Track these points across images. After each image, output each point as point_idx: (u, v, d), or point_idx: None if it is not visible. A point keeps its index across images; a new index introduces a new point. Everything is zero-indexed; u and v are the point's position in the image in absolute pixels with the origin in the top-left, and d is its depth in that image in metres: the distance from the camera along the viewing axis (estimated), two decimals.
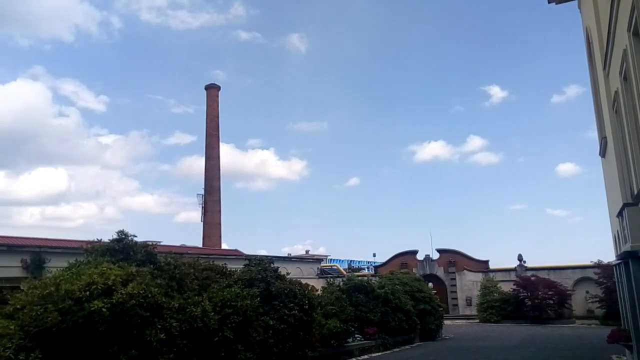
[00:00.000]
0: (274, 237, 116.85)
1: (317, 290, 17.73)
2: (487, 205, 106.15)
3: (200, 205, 56.31)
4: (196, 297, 12.17)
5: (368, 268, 61.93)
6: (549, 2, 18.58)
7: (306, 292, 15.85)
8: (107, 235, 13.67)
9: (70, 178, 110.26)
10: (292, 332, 14.47)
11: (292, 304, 14.80)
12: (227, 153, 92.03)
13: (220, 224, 55.95)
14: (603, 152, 17.02)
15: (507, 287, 37.00)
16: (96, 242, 13.53)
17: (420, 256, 44.57)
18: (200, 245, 51.68)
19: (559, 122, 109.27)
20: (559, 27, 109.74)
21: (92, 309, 9.75)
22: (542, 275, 37.02)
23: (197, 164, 73.88)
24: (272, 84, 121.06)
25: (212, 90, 59.60)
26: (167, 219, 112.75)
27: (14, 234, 27.44)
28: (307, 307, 15.42)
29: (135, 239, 13.70)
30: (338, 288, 21.58)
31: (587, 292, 35.14)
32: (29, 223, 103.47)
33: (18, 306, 10.19)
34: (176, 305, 11.42)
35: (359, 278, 24.29)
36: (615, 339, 15.65)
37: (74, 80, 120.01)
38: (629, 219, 10.46)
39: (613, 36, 10.73)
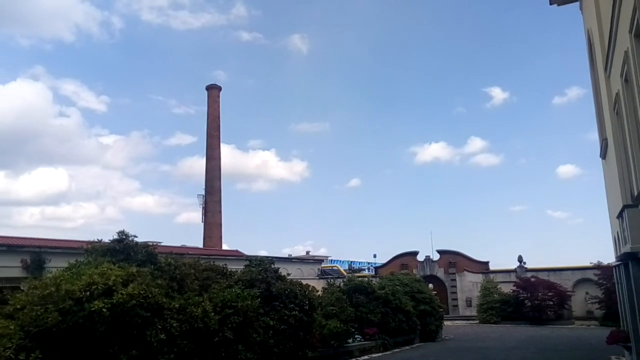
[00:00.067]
0: (275, 238, 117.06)
1: (317, 291, 17.74)
2: (488, 206, 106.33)
3: (201, 206, 56.36)
4: (197, 298, 12.17)
5: (368, 269, 61.93)
6: (550, 4, 18.60)
7: (307, 292, 15.85)
8: (107, 235, 13.69)
9: (71, 178, 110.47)
10: (292, 333, 14.47)
11: (292, 305, 14.80)
12: (228, 154, 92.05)
13: (221, 224, 55.99)
14: (603, 154, 17.03)
15: (507, 288, 37.04)
16: (96, 242, 13.53)
17: (420, 257, 44.63)
18: (200, 245, 51.73)
19: (559, 123, 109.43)
20: (560, 28, 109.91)
21: (93, 309, 9.75)
22: (542, 276, 37.05)
23: (198, 164, 73.99)
24: (273, 84, 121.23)
25: (213, 90, 59.66)
26: (168, 220, 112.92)
27: (14, 234, 27.49)
28: (307, 307, 15.43)
29: (135, 239, 13.69)
30: (338, 289, 21.59)
31: (587, 293, 35.17)
32: (29, 223, 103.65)
33: (18, 306, 10.19)
34: (177, 305, 11.42)
35: (360, 279, 24.32)
36: (615, 340, 15.66)
37: (75, 81, 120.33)
38: (629, 220, 10.47)
39: (614, 38, 10.74)
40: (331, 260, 68.96)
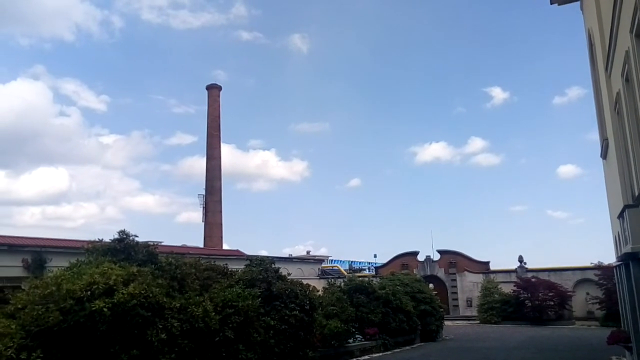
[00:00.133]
0: (275, 238, 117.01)
1: (318, 291, 17.75)
2: (488, 206, 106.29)
3: (202, 206, 56.37)
4: (197, 297, 12.18)
5: (369, 269, 61.97)
6: (551, 3, 18.59)
7: (307, 292, 15.85)
8: (108, 235, 13.70)
9: (71, 178, 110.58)
10: (293, 333, 14.47)
11: (293, 305, 14.81)
12: (228, 153, 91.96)
13: (221, 224, 56.01)
14: (604, 154, 17.02)
15: (507, 289, 37.04)
16: (97, 242, 13.54)
17: (421, 257, 44.62)
18: (201, 245, 51.73)
19: (560, 123, 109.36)
20: (561, 28, 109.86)
21: (94, 308, 9.76)
22: (543, 276, 37.05)
23: (198, 164, 74.03)
24: (273, 84, 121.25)
25: (214, 90, 59.67)
26: (168, 219, 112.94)
27: (15, 233, 27.47)
28: (308, 307, 15.43)
29: (136, 239, 13.69)
30: (339, 289, 21.60)
31: (588, 293, 35.15)
32: (30, 223, 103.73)
33: (19, 306, 10.21)
34: (177, 305, 11.43)
35: (360, 279, 24.33)
36: (615, 341, 15.65)
37: (75, 80, 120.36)
38: (630, 220, 10.46)
39: (615, 37, 10.73)
40: (332, 260, 68.96)
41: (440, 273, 42.78)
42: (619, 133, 12.43)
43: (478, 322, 36.97)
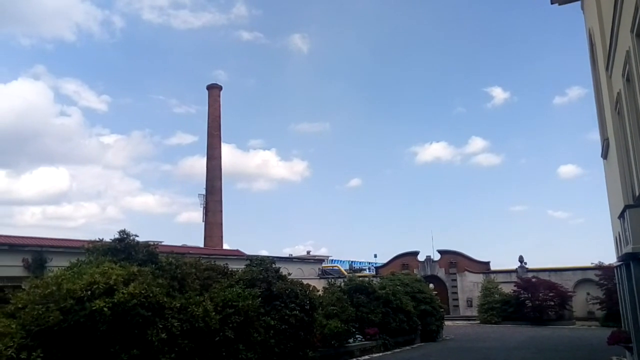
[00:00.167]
0: (276, 238, 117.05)
1: (318, 291, 17.75)
2: (489, 206, 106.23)
3: (202, 206, 56.37)
4: (197, 297, 12.18)
5: (369, 269, 61.97)
6: (551, 3, 18.57)
7: (307, 292, 15.85)
8: (108, 235, 13.70)
9: (72, 178, 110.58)
10: (293, 332, 14.47)
11: (293, 304, 14.81)
12: (228, 153, 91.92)
13: (221, 224, 56.00)
14: (605, 154, 17.01)
15: (508, 289, 37.03)
16: (98, 241, 13.54)
17: (421, 257, 44.63)
18: (201, 245, 51.74)
19: (560, 123, 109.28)
20: (561, 28, 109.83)
21: (94, 308, 9.76)
22: (543, 276, 37.03)
23: (199, 164, 74.02)
24: (274, 84, 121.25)
25: (214, 90, 59.66)
26: (169, 219, 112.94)
27: (15, 233, 27.55)
28: (308, 307, 15.43)
29: (136, 238, 13.69)
30: (339, 289, 21.61)
31: (588, 293, 35.13)
32: (31, 222, 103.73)
33: (20, 305, 10.21)
34: (177, 305, 11.43)
35: (360, 279, 24.33)
36: (616, 341, 15.65)
37: (76, 80, 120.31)
38: (631, 220, 10.45)
39: (616, 37, 10.72)
40: (332, 260, 68.95)
41: (441, 273, 42.77)
42: (619, 133, 12.42)
43: (478, 322, 36.96)
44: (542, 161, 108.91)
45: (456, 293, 41.86)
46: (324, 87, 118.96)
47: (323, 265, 55.35)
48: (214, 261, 16.90)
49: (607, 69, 13.19)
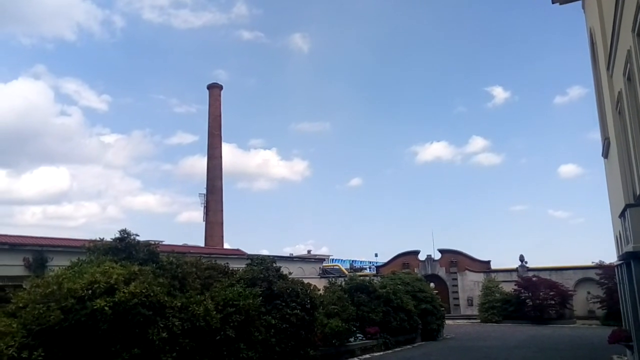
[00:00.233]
0: (276, 237, 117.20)
1: (319, 290, 17.74)
2: (489, 206, 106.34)
3: (202, 205, 56.38)
4: (198, 296, 12.19)
5: (370, 268, 61.99)
6: (552, 3, 18.57)
7: (308, 291, 15.85)
8: (109, 234, 13.71)
9: (72, 177, 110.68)
10: (294, 332, 14.48)
11: (294, 304, 14.81)
12: (229, 153, 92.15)
13: (222, 223, 56.01)
14: (606, 153, 17.01)
15: (508, 288, 37.03)
16: (98, 241, 13.55)
17: (422, 256, 44.64)
18: (202, 244, 51.76)
19: (561, 123, 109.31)
20: (562, 27, 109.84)
21: (95, 307, 9.77)
22: (544, 275, 37.02)
23: (199, 163, 74.23)
24: (274, 83, 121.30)
25: (215, 89, 59.62)
26: (169, 219, 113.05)
27: (16, 232, 27.53)
28: (309, 306, 15.44)
29: (137, 238, 13.70)
30: (340, 288, 21.61)
31: (589, 292, 35.13)
32: (31, 222, 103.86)
33: (21, 304, 10.23)
34: (178, 304, 11.44)
35: (361, 278, 24.33)
36: (616, 339, 15.67)
37: (76, 79, 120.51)
38: (632, 219, 10.47)
39: (617, 37, 10.72)
40: (332, 260, 69.06)
41: (441, 272, 42.77)
42: (620, 132, 12.43)
43: (479, 321, 36.96)
44: (543, 161, 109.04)
45: (457, 292, 41.87)
46: (324, 86, 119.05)
47: (324, 264, 55.40)
48: (215, 260, 16.91)
49: (608, 68, 13.19)
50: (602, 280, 32.23)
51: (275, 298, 14.70)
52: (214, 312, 11.83)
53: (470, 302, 40.92)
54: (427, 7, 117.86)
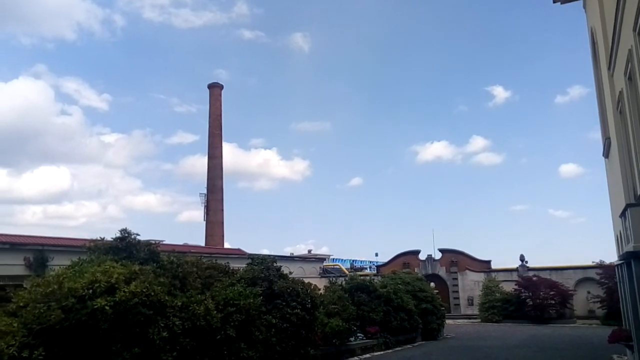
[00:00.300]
0: (277, 237, 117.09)
1: (319, 290, 17.75)
2: (490, 205, 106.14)
3: (203, 205, 56.38)
4: (199, 296, 12.19)
5: (370, 268, 61.90)
6: (553, 2, 18.55)
7: (309, 291, 15.86)
8: (109, 233, 13.73)
9: (73, 177, 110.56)
10: (294, 331, 14.48)
11: (294, 303, 14.81)
12: (229, 152, 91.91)
13: (222, 223, 56.01)
14: (606, 153, 17.01)
15: (508, 287, 37.04)
16: (99, 240, 13.56)
17: (422, 256, 44.64)
18: (202, 244, 51.77)
19: (562, 122, 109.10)
20: (563, 27, 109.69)
21: (95, 307, 9.78)
22: (544, 275, 37.03)
23: (200, 163, 74.26)
24: (275, 83, 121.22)
25: (215, 89, 59.62)
26: (170, 218, 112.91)
27: (16, 232, 27.56)
28: (309, 306, 15.44)
29: (138, 237, 13.72)
30: (340, 287, 21.62)
31: (589, 292, 35.14)
32: (32, 221, 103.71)
33: (21, 304, 10.24)
34: (179, 303, 11.44)
35: (361, 277, 24.34)
36: (616, 339, 15.67)
37: (77, 79, 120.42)
38: (632, 219, 10.47)
39: (618, 36, 10.72)
40: (333, 259, 69.01)
41: (442, 272, 42.79)
42: (621, 132, 12.43)
43: (479, 320, 36.98)
44: (543, 160, 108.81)
45: (457, 292, 41.88)
46: (325, 86, 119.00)
47: (324, 264, 55.39)
48: (216, 260, 16.92)
49: (609, 67, 13.19)
50: (602, 280, 32.24)
51: (275, 297, 14.71)
52: (215, 312, 11.84)
53: (470, 302, 40.94)
54: (427, 7, 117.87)
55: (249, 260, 17.17)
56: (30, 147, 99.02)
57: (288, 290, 14.98)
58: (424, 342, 24.03)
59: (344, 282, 22.82)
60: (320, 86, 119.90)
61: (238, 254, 39.17)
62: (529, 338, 24.60)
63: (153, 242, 14.58)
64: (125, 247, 13.31)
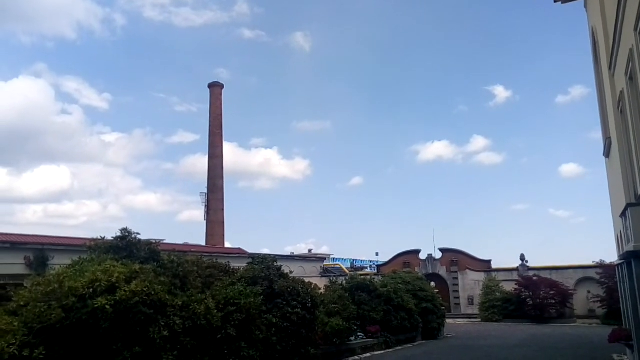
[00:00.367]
0: (277, 236, 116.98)
1: (320, 289, 17.77)
2: (490, 205, 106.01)
3: (204, 204, 56.37)
4: (199, 295, 12.20)
5: (371, 267, 61.87)
6: (554, 2, 18.53)
7: (309, 290, 15.87)
8: (110, 233, 13.74)
9: (73, 176, 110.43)
10: (295, 330, 14.49)
11: (295, 302, 14.82)
12: (230, 152, 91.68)
13: (223, 222, 56.02)
14: (607, 153, 17.00)
15: (509, 287, 37.06)
16: (99, 239, 13.57)
17: (422, 255, 44.66)
18: (203, 243, 51.76)
19: (563, 122, 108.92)
20: (564, 26, 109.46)
21: (96, 306, 9.78)
22: (544, 275, 37.04)
23: (201, 162, 74.12)
24: (275, 82, 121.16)
25: (216, 88, 59.59)
26: (170, 218, 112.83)
27: (17, 231, 27.56)
28: (310, 305, 15.45)
29: (138, 237, 13.73)
30: (341, 287, 21.62)
31: (589, 292, 35.15)
32: (32, 221, 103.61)
33: (22, 303, 10.24)
34: (179, 302, 11.45)
35: (362, 277, 24.34)
36: (617, 339, 15.68)
37: (77, 78, 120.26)
38: (633, 219, 10.47)
39: (619, 36, 10.71)
40: (333, 259, 68.97)
41: (442, 271, 42.80)
42: (622, 132, 12.42)
43: (479, 320, 36.99)
44: (544, 160, 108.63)
45: (457, 291, 41.89)
46: (325, 85, 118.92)
47: (325, 263, 55.35)
48: (216, 259, 16.93)
49: (610, 67, 13.18)
50: (603, 280, 32.26)
51: (276, 297, 14.72)
52: (215, 311, 11.84)
53: (470, 301, 40.95)
54: (427, 7, 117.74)
55: (250, 260, 17.18)
56: (30, 146, 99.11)
57: (289, 290, 14.99)
58: (424, 341, 24.04)
59: (344, 282, 22.82)
60: (320, 85, 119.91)
61: (238, 253, 39.19)
62: (529, 337, 24.61)
63: (153, 241, 14.58)
64: (125, 246, 13.32)
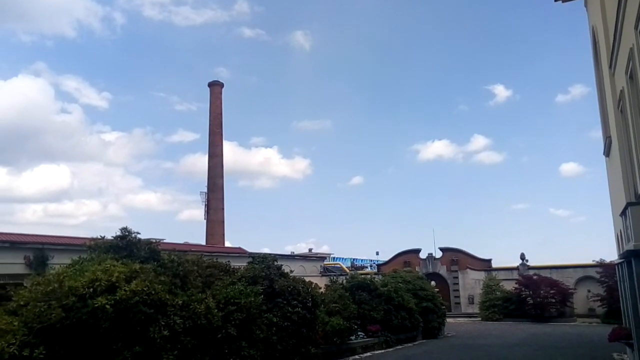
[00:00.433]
0: (278, 236, 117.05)
1: (320, 288, 17.77)
2: (490, 204, 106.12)
3: (204, 203, 56.34)
4: (200, 294, 12.19)
5: (371, 266, 61.84)
6: (555, 0, 18.51)
7: (309, 289, 15.87)
8: (110, 232, 13.73)
9: (73, 175, 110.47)
10: (295, 330, 14.50)
11: (295, 302, 14.83)
12: (230, 151, 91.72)
13: (223, 221, 55.99)
14: (607, 152, 16.98)
15: (509, 286, 37.09)
16: (99, 239, 13.56)
17: (423, 255, 44.65)
18: (203, 243, 51.73)
19: (563, 121, 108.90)
20: (564, 25, 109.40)
21: (96, 305, 9.78)
22: (545, 274, 37.05)
23: (201, 161, 74.20)
24: (276, 81, 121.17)
25: (216, 87, 59.55)
26: (170, 217, 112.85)
27: (16, 231, 27.52)
28: (310, 304, 15.45)
29: (138, 236, 13.71)
30: (341, 286, 21.62)
31: (589, 290, 35.16)
32: (32, 220, 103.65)
33: (22, 302, 10.23)
34: (180, 302, 11.45)
35: (362, 276, 24.35)
36: (617, 337, 15.68)
37: (77, 77, 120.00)
38: (633, 218, 10.47)
39: (620, 34, 10.70)
40: (334, 258, 68.98)
41: (442, 270, 42.81)
42: (622, 131, 12.41)
43: (480, 319, 37.03)
44: (544, 159, 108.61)
45: (458, 290, 41.90)
46: (325, 84, 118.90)
47: (325, 262, 55.35)
48: (216, 259, 16.91)
49: (610, 66, 13.17)
50: (603, 279, 32.27)
51: (276, 296, 14.72)
52: (216, 310, 11.84)
53: (471, 300, 40.95)
54: (427, 7, 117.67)
55: (250, 259, 17.18)
56: (30, 145, 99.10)
57: (289, 289, 14.99)
58: (424, 340, 24.06)
59: (344, 281, 22.83)
60: (321, 85, 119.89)
61: (239, 252, 39.18)
62: (529, 336, 24.62)
63: (153, 240, 14.58)
64: (125, 245, 13.31)
